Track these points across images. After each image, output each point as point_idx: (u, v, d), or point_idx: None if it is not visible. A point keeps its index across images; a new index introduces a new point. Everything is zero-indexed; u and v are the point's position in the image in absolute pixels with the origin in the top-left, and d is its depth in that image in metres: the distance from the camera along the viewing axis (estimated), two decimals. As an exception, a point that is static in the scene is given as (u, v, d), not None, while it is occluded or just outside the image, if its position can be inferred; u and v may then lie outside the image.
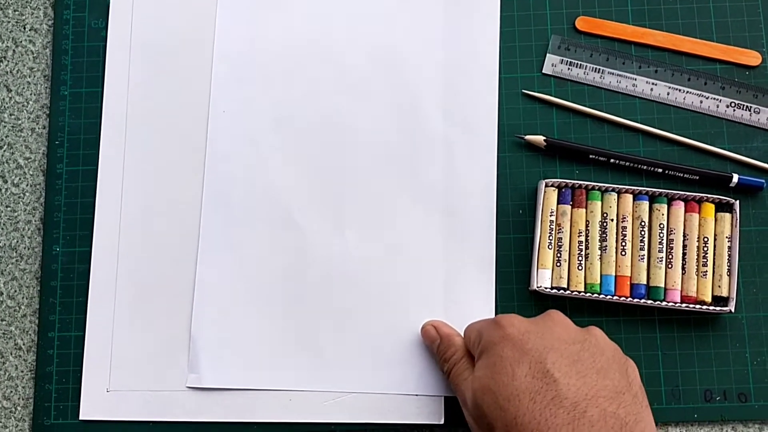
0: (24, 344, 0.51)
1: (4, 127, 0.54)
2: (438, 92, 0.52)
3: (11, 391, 0.51)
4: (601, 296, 0.49)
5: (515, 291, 0.51)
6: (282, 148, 0.52)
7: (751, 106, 0.52)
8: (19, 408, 0.51)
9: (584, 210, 0.50)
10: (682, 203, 0.50)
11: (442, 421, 0.49)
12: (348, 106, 0.52)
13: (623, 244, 0.49)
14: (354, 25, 0.53)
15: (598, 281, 0.49)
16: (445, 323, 0.49)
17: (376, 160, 0.52)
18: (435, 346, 0.48)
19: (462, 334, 0.47)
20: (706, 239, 0.49)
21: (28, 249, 0.53)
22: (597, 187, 0.50)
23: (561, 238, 0.50)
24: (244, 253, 0.51)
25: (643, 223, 0.49)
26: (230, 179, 0.52)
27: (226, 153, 0.52)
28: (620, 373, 0.40)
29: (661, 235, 0.49)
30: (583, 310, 0.50)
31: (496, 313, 0.50)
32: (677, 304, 0.48)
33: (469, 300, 0.50)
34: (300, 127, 0.52)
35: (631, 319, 0.50)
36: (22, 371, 0.51)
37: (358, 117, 0.52)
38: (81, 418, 0.50)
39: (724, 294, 0.49)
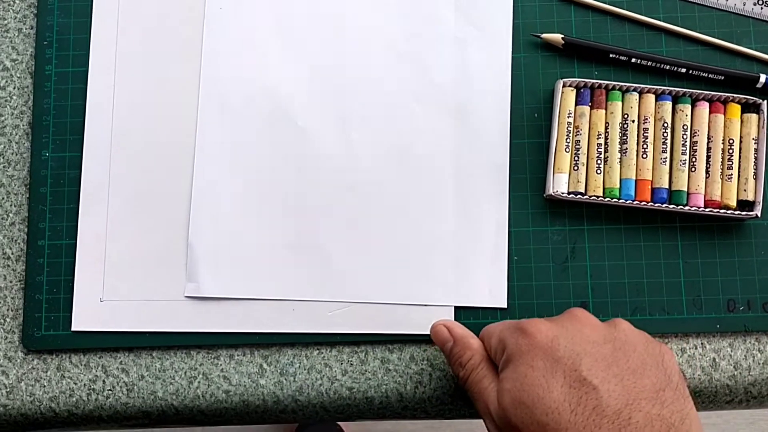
0: (12, 253, 0.49)
1: (-11, 27, 0.51)
2: None
3: (0, 303, 0.48)
4: (621, 201, 0.46)
5: (529, 198, 0.48)
6: (282, 46, 0.49)
7: (780, 4, 0.49)
8: (8, 319, 0.48)
9: (604, 111, 0.47)
10: (706, 104, 0.47)
11: None
12: (352, 2, 0.49)
13: (644, 146, 0.47)
14: None
15: (618, 185, 0.47)
16: (457, 323, 0.44)
17: (383, 58, 0.49)
18: (448, 347, 0.43)
19: (466, 330, 0.44)
20: (731, 141, 0.47)
21: (16, 155, 0.50)
22: (618, 87, 0.47)
23: (579, 140, 0.47)
24: (243, 157, 0.48)
25: (665, 125, 0.47)
26: (228, 79, 0.49)
27: (224, 51, 0.49)
28: (656, 368, 0.37)
29: (685, 137, 0.47)
30: (600, 216, 0.48)
31: (510, 218, 0.48)
32: (700, 209, 0.46)
33: (480, 204, 0.48)
34: (301, 25, 0.49)
35: (652, 227, 0.48)
36: (11, 281, 0.49)
37: (364, 13, 0.49)
38: (73, 328, 0.48)
39: (750, 198, 0.46)
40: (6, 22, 0.51)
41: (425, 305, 0.47)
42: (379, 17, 0.49)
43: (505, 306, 0.47)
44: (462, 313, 0.47)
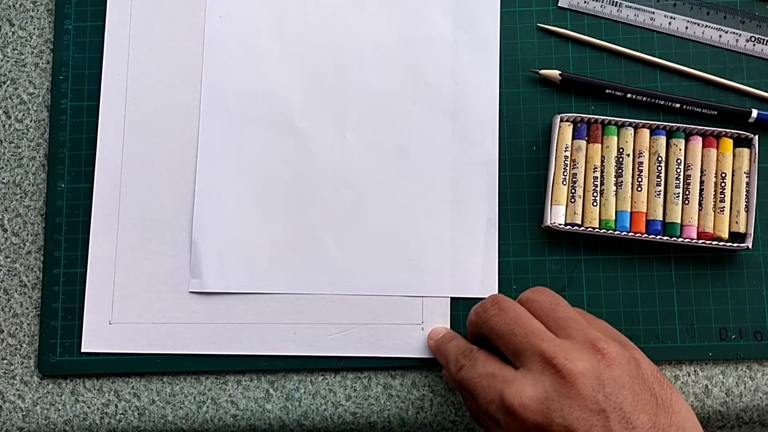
0: (29, 281, 0.51)
1: (7, 62, 0.53)
2: None
3: (16, 329, 0.50)
4: (616, 233, 0.48)
5: (528, 228, 0.50)
6: (281, 51, 0.52)
7: (771, 41, 0.50)
8: (24, 345, 0.50)
9: (600, 145, 0.49)
10: (699, 138, 0.49)
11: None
12: (349, 5, 0.52)
13: (639, 179, 0.48)
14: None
15: (613, 217, 0.48)
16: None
17: (378, 61, 0.51)
18: (447, 339, 0.45)
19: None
20: (723, 175, 0.48)
21: (33, 185, 0.52)
22: (613, 122, 0.49)
23: (576, 173, 0.49)
24: (244, 157, 0.51)
25: (660, 158, 0.48)
26: (228, 84, 0.51)
27: (224, 58, 0.52)
28: (642, 389, 0.36)
29: (678, 170, 0.48)
30: (596, 247, 0.49)
31: (500, 217, 0.50)
32: (694, 241, 0.47)
33: (472, 199, 0.50)
34: (299, 30, 0.52)
35: (646, 257, 0.49)
36: (27, 308, 0.51)
37: (359, 17, 0.52)
38: (83, 350, 0.49)
39: (742, 230, 0.48)
40: (23, 57, 0.53)
41: (422, 297, 0.49)
42: (374, 21, 0.52)
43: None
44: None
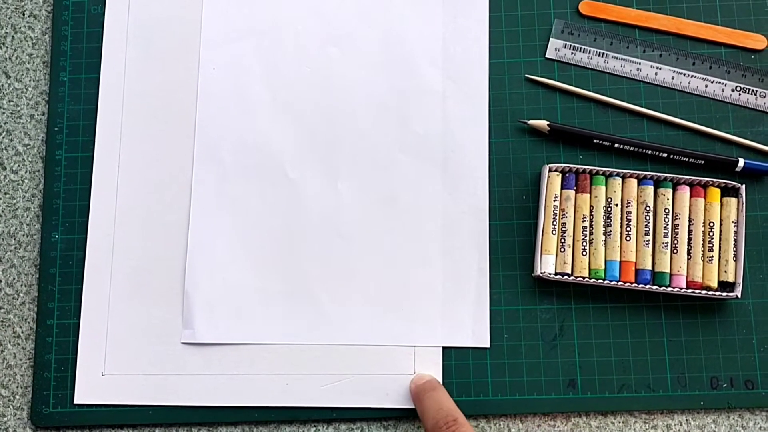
0: (23, 332, 0.51)
1: (3, 113, 0.53)
2: (430, 45, 0.52)
3: (10, 380, 0.50)
4: (606, 282, 0.48)
5: (519, 277, 0.50)
6: (272, 102, 0.52)
7: (756, 90, 0.51)
8: (17, 396, 0.50)
9: (588, 195, 0.49)
10: (687, 188, 0.49)
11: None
12: (339, 59, 0.53)
13: (628, 229, 0.49)
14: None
15: (603, 267, 0.49)
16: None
17: (368, 111, 0.52)
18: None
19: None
20: (711, 224, 0.49)
21: (27, 236, 0.52)
22: (601, 172, 0.49)
23: (565, 223, 0.49)
24: (236, 207, 0.51)
25: (648, 208, 0.49)
26: (221, 134, 0.52)
27: (217, 110, 0.52)
28: None
29: (666, 219, 0.49)
30: (587, 296, 0.50)
31: (491, 266, 0.50)
32: (683, 290, 0.48)
33: (464, 248, 0.50)
34: (290, 82, 0.52)
35: (636, 306, 0.49)
36: (21, 359, 0.51)
37: (350, 69, 0.53)
38: (75, 402, 0.49)
39: (731, 279, 0.48)
40: (19, 108, 0.54)
41: (414, 346, 0.49)
42: (364, 72, 0.52)
43: (488, 345, 0.49)
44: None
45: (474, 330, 0.49)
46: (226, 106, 0.52)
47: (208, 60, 0.53)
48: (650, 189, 0.49)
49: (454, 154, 0.51)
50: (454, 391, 0.49)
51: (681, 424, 0.48)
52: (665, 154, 0.50)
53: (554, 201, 0.49)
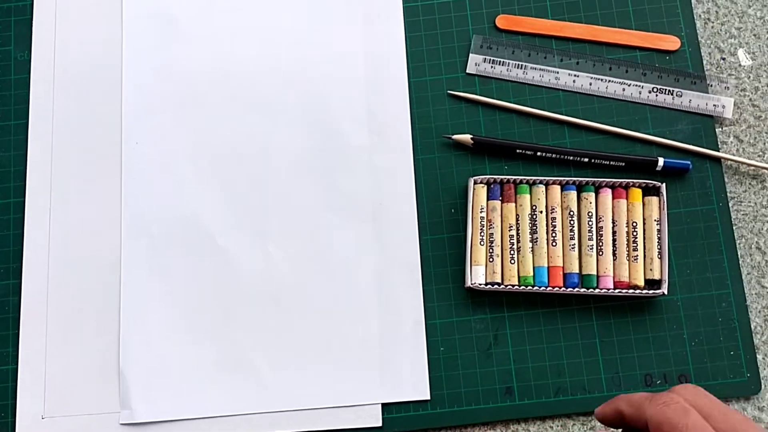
0: (-31, 377, 0.51)
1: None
2: (352, 102, 0.53)
3: (-41, 425, 0.51)
4: (535, 288, 0.49)
5: (451, 290, 0.51)
6: (198, 173, 0.53)
7: (673, 90, 0.52)
8: (-33, 441, 0.51)
9: (513, 204, 0.50)
10: (609, 190, 0.50)
11: (380, 424, 0.49)
12: (261, 124, 0.53)
13: (554, 235, 0.50)
14: (263, 43, 0.54)
15: (531, 273, 0.49)
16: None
17: (294, 174, 0.52)
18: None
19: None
20: (635, 224, 0.50)
21: (-30, 282, 0.53)
22: (525, 181, 0.50)
23: (492, 233, 0.50)
24: (168, 280, 0.51)
25: (572, 213, 0.50)
26: (148, 209, 0.52)
27: (142, 183, 0.52)
28: None
29: (590, 223, 0.50)
30: (519, 303, 0.50)
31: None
32: (610, 290, 0.49)
33: (399, 301, 0.50)
34: (215, 151, 0.53)
35: (567, 309, 0.50)
36: (-31, 404, 0.51)
37: (273, 134, 0.53)
38: (16, 446, 0.50)
39: (656, 277, 0.49)
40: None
41: (353, 406, 0.49)
42: (287, 137, 0.53)
43: (429, 398, 0.49)
44: (388, 408, 0.49)
45: (414, 383, 0.49)
46: (151, 181, 0.52)
47: (130, 134, 0.53)
48: (573, 194, 0.50)
49: (382, 207, 0.52)
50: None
51: (618, 423, 0.49)
52: (587, 159, 0.51)
53: (481, 212, 0.50)
